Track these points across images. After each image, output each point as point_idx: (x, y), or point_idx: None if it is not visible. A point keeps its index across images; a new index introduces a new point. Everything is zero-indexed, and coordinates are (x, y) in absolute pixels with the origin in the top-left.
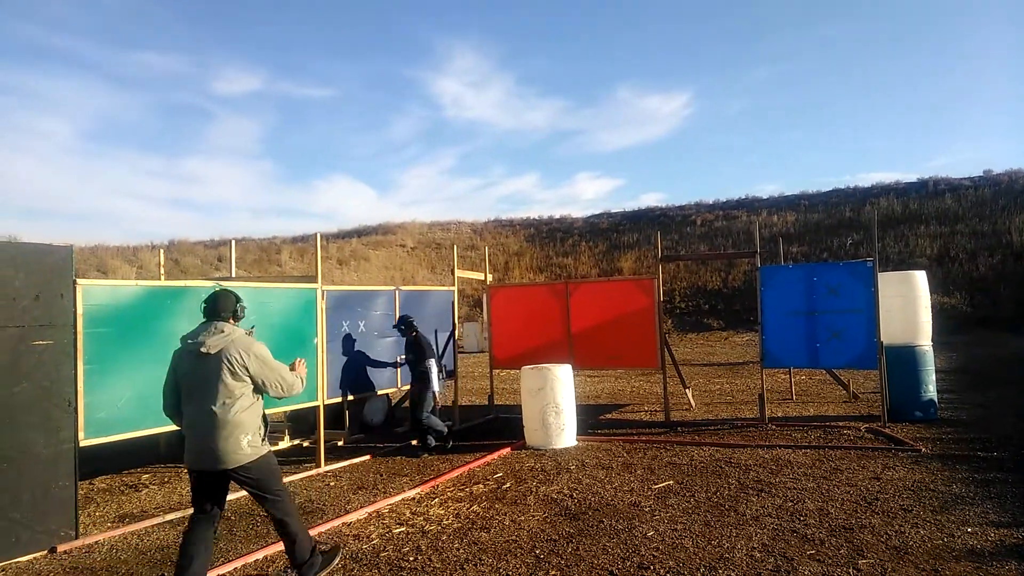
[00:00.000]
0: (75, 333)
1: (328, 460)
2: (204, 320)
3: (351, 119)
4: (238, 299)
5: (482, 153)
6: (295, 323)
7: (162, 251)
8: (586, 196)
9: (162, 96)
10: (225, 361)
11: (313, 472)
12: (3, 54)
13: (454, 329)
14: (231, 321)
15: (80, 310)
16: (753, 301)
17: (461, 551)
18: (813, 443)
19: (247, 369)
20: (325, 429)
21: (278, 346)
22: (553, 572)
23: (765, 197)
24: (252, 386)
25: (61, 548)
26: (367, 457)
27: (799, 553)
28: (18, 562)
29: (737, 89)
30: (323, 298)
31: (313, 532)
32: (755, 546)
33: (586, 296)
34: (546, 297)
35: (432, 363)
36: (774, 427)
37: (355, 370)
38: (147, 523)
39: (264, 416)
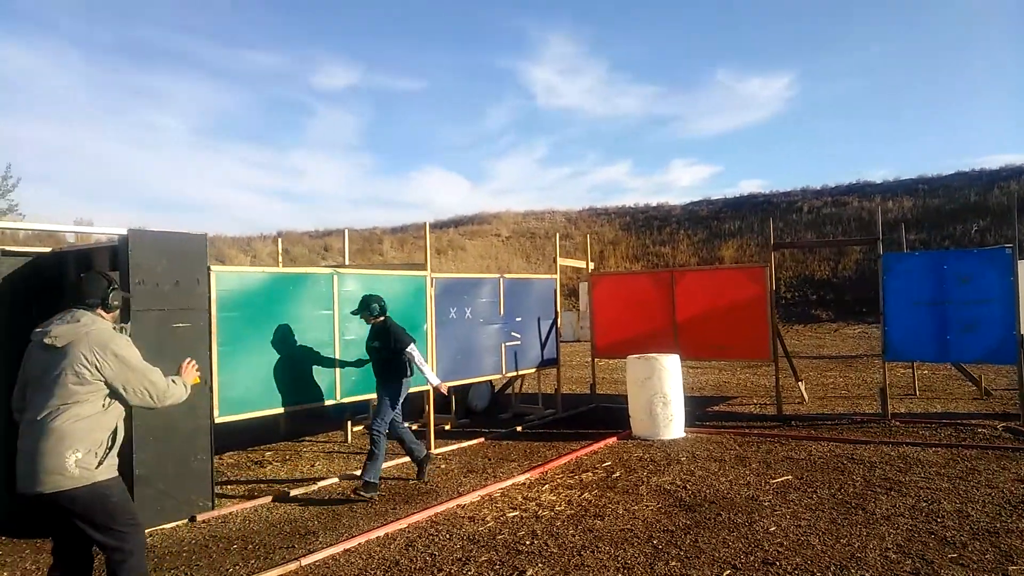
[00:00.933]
0: (209, 316)
1: (437, 443)
2: (68, 306)
3: (446, 110)
4: (110, 284)
5: (574, 141)
6: (406, 310)
7: (278, 240)
8: (681, 183)
9: (266, 92)
10: (72, 358)
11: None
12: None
13: (556, 317)
14: (98, 311)
15: (214, 295)
16: (866, 291)
17: (576, 537)
18: (944, 441)
19: (99, 371)
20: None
21: None
22: (673, 563)
23: (879, 182)
24: (106, 391)
25: (200, 517)
26: (479, 440)
27: (939, 556)
28: (162, 528)
29: (844, 69)
30: (432, 285)
31: (428, 513)
32: (889, 546)
33: (692, 284)
34: (650, 286)
35: (415, 350)
36: (898, 424)
37: (461, 356)
38: (261, 501)
39: (115, 432)
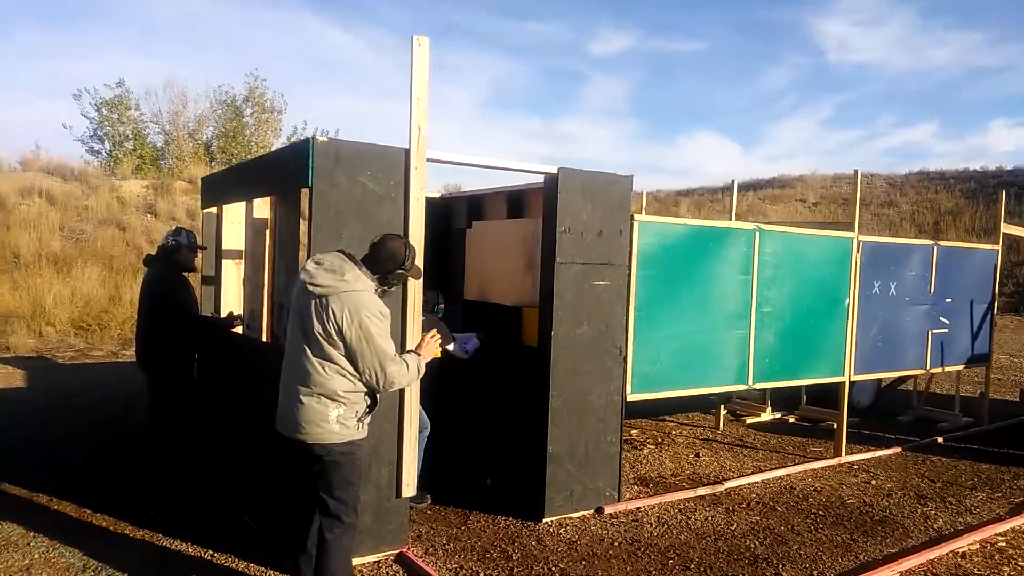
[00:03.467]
0: (629, 274)
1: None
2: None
3: (720, 72)
4: (404, 261)
5: (867, 101)
6: (826, 279)
7: (644, 195)
8: (1002, 148)
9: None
10: (326, 312)
11: (833, 462)
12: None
13: (994, 300)
14: (369, 275)
15: (635, 249)
16: None
17: None
18: None
19: (342, 333)
20: (806, 404)
21: (809, 307)
22: None
23: None
24: (346, 354)
25: (608, 509)
26: (895, 450)
27: None
28: (569, 518)
29: None
30: (858, 250)
31: (919, 560)
32: None
33: None
34: None
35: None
36: None
37: (882, 343)
38: (680, 495)
39: (374, 392)
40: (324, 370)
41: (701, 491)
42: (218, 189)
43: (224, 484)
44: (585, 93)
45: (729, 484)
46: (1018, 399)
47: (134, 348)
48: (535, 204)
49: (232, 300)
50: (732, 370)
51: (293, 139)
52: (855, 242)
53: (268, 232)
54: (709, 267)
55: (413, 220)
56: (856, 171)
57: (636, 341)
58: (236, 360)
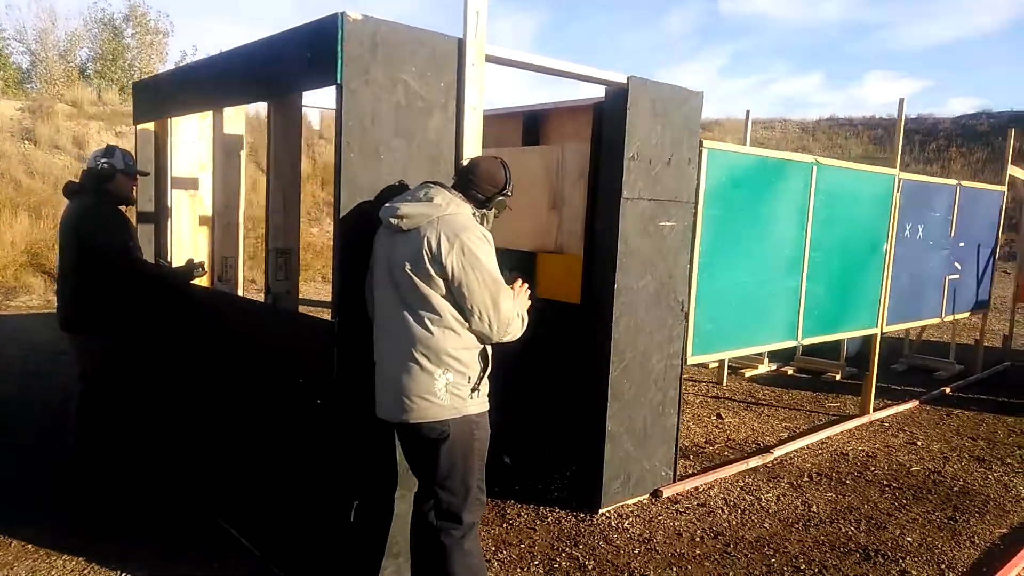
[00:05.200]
0: (695, 214)
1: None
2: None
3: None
4: (505, 186)
5: (760, 51)
6: (870, 222)
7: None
8: (876, 99)
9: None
10: (418, 246)
11: (863, 420)
12: None
13: (996, 244)
14: (464, 200)
15: (703, 184)
16: None
17: None
18: None
19: (440, 261)
20: (803, 355)
21: (854, 252)
22: None
23: None
24: (449, 298)
25: (665, 492)
26: (913, 404)
27: None
28: (625, 505)
29: None
30: (899, 189)
31: None
32: None
33: None
34: None
35: None
36: None
37: (910, 291)
38: (732, 469)
39: (486, 351)
40: (426, 324)
41: (752, 462)
42: (162, 97)
43: (189, 481)
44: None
45: (777, 452)
46: (1001, 346)
47: (56, 308)
48: (556, 128)
49: (184, 244)
50: (782, 324)
51: (181, 63)
52: (896, 180)
53: (243, 153)
54: (768, 207)
55: (469, 138)
56: (901, 99)
57: (699, 295)
58: (208, 324)
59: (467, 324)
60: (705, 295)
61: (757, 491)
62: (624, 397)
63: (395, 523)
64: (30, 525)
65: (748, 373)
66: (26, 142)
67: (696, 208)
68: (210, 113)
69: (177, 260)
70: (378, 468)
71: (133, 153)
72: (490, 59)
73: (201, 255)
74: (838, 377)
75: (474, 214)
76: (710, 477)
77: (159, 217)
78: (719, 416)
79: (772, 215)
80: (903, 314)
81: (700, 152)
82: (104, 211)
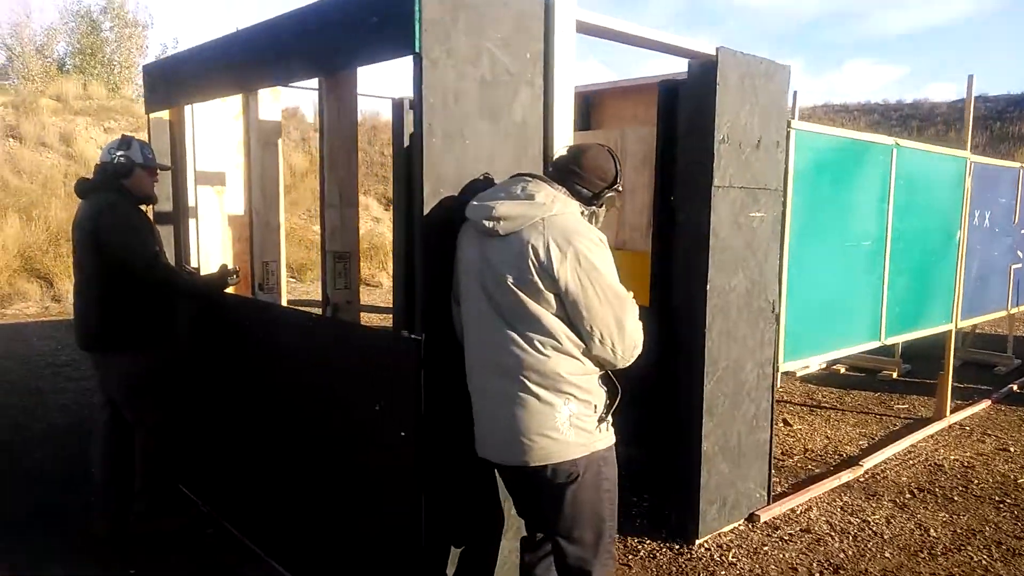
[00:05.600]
0: (784, 203)
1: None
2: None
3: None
4: (616, 178)
5: (740, 38)
6: (944, 208)
7: None
8: (857, 86)
9: None
10: (519, 253)
11: (942, 424)
12: None
13: None
14: (568, 195)
15: (791, 168)
16: None
17: None
18: None
19: (551, 273)
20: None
21: (930, 241)
22: None
23: None
24: (562, 316)
25: (762, 516)
26: (986, 403)
27: None
28: (720, 534)
29: None
30: (970, 173)
31: None
32: None
33: None
34: None
35: None
36: None
37: (979, 282)
38: (824, 485)
39: (610, 375)
40: (537, 346)
41: (844, 477)
42: (181, 81)
43: (234, 520)
44: None
45: (866, 464)
46: None
47: (74, 325)
48: (612, 111)
49: (212, 248)
50: (865, 324)
51: (162, 58)
52: (968, 164)
53: (280, 142)
54: (849, 194)
55: (560, 120)
56: (970, 76)
57: (790, 293)
58: (251, 341)
59: (585, 348)
60: (794, 293)
61: (861, 512)
62: (718, 412)
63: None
64: (57, 564)
65: (800, 372)
66: (11, 140)
67: (785, 196)
68: (235, 98)
69: (204, 267)
70: (478, 512)
71: None
72: (581, 28)
73: (228, 259)
74: (894, 375)
75: (582, 213)
76: (803, 496)
77: (179, 218)
78: (785, 422)
79: (853, 203)
80: (974, 308)
81: (788, 134)
82: (124, 211)
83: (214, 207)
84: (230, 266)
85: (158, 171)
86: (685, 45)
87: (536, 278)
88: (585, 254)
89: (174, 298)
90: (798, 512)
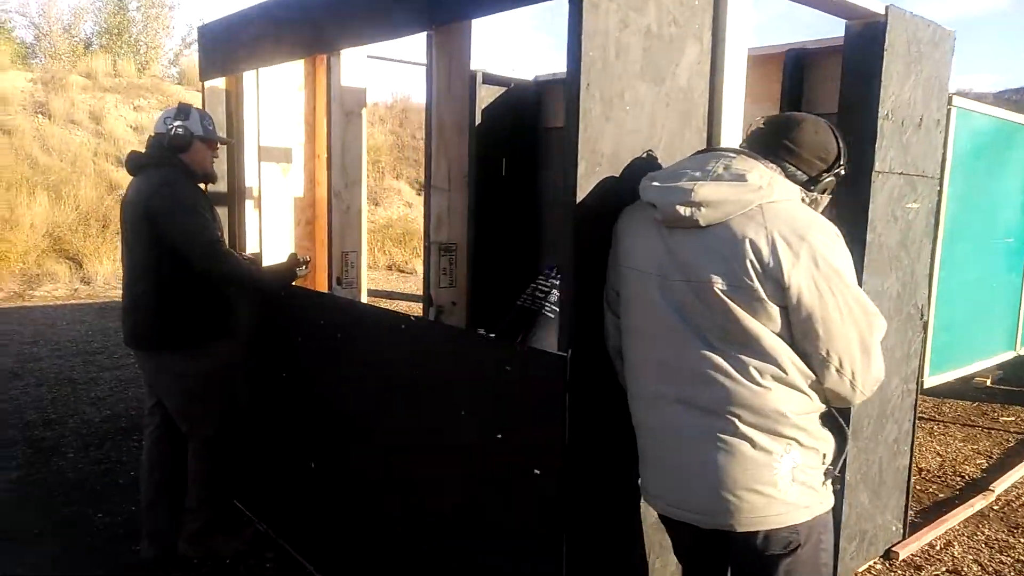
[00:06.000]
0: (940, 192)
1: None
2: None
3: None
4: (839, 157)
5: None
6: None
7: None
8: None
9: None
10: (732, 250)
11: None
12: None
13: None
14: (784, 170)
15: (950, 153)
16: None
17: None
18: None
19: (779, 276)
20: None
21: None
22: None
23: None
24: (784, 335)
25: (901, 553)
26: None
27: None
28: (856, 573)
29: None
30: None
31: None
32: None
33: None
34: None
35: None
36: None
37: None
38: (957, 515)
39: (836, 420)
40: (751, 374)
41: (976, 504)
42: (243, 43)
43: (305, 551)
44: None
45: (997, 489)
46: None
47: (122, 320)
48: None
49: (278, 235)
50: (1002, 331)
51: (188, 39)
52: None
53: (364, 112)
54: (1000, 183)
55: (730, 87)
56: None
57: (940, 298)
58: (331, 345)
59: (815, 378)
60: (943, 297)
61: (1010, 550)
62: (863, 436)
63: None
64: None
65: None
66: (39, 116)
67: (941, 185)
68: (297, 67)
69: (268, 256)
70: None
71: None
72: None
73: (293, 247)
74: (988, 382)
75: (803, 199)
76: (939, 529)
77: (235, 200)
78: None
79: (1002, 194)
80: None
81: (948, 111)
82: (182, 190)
83: (279, 187)
84: (299, 256)
85: (218, 145)
86: (852, 1)
87: (757, 284)
88: (824, 254)
89: (236, 291)
90: (937, 548)
